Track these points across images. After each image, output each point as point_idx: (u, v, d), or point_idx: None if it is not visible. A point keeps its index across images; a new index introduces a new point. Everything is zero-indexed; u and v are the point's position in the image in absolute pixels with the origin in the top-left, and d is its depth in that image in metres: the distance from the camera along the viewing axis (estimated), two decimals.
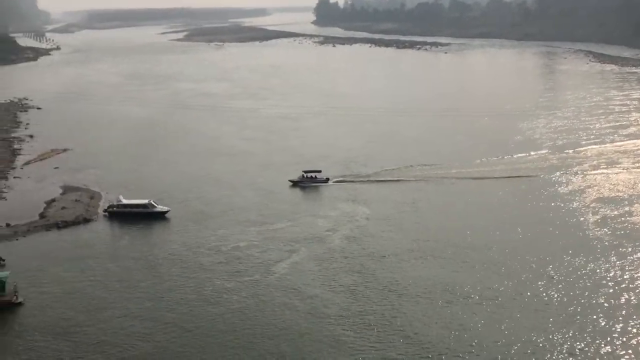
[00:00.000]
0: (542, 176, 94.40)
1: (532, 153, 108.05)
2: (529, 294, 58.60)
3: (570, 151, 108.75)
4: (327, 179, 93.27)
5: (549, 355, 49.57)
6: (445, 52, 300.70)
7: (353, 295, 58.89)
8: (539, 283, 60.50)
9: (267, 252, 68.92)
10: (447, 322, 54.01)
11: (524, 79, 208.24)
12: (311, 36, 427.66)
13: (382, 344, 51.20)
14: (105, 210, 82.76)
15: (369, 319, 54.73)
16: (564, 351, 50.05)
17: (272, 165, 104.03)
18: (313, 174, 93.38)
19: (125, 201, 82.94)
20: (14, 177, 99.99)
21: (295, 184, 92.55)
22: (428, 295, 58.58)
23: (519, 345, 50.76)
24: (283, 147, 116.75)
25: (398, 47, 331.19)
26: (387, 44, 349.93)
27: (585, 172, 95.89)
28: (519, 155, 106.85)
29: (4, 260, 66.85)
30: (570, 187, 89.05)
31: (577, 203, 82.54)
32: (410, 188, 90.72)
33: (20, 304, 58.05)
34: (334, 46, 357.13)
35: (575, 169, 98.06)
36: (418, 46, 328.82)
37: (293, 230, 75.49)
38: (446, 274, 62.91)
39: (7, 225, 77.50)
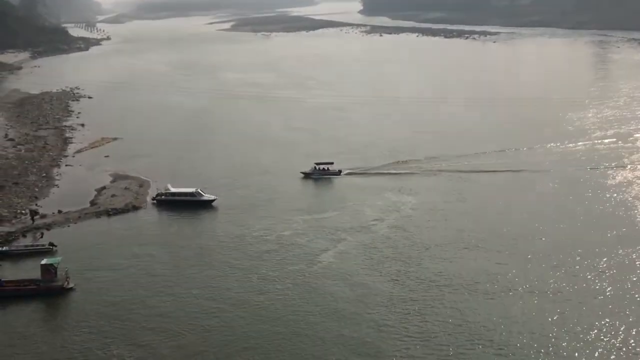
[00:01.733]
0: (590, 168, 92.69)
1: (581, 143, 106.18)
2: (577, 287, 57.72)
3: (621, 142, 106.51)
4: (340, 171, 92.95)
5: (600, 351, 48.80)
6: (494, 41, 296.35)
7: (397, 284, 58.85)
8: (588, 276, 59.56)
9: (312, 241, 69.29)
10: (491, 313, 53.61)
11: (575, 68, 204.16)
12: (358, 25, 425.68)
13: (425, 333, 51.12)
14: (153, 199, 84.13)
15: (412, 307, 54.66)
16: (615, 346, 49.22)
17: (318, 155, 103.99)
18: (325, 166, 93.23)
19: (173, 189, 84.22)
20: (66, 165, 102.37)
21: (307, 175, 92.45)
22: (473, 286, 58.17)
23: (567, 339, 50.09)
24: (329, 137, 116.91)
25: (446, 36, 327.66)
26: (434, 33, 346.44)
27: (636, 164, 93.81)
28: (568, 145, 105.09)
29: (56, 246, 68.54)
30: (620, 179, 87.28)
31: (628, 195, 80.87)
32: (451, 179, 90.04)
33: (71, 289, 59.46)
34: (380, 35, 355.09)
35: (626, 160, 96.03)
36: (466, 35, 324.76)
37: (338, 219, 75.73)
38: (492, 265, 62.39)
39: (59, 212, 79.46)
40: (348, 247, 67.45)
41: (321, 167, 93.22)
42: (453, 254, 65.20)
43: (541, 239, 68.30)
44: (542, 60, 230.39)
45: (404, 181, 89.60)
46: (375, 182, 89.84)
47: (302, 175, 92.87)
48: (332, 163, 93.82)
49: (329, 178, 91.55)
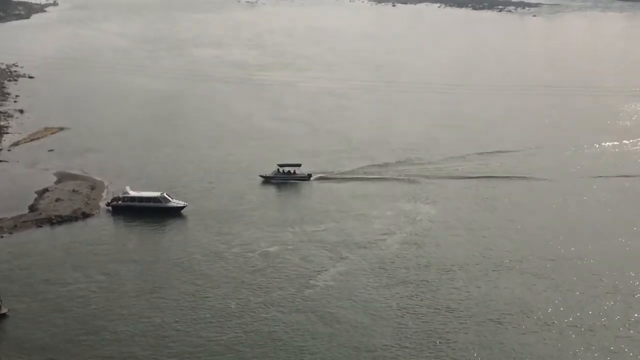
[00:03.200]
0: None
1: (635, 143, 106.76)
2: (627, 321, 57.84)
3: None
4: (309, 175, 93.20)
5: None
6: (534, 15, 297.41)
7: (408, 314, 58.83)
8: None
9: (304, 259, 69.34)
10: (524, 353, 53.63)
11: (631, 50, 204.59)
12: None
13: None
14: (108, 204, 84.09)
15: (426, 343, 54.67)
16: None
17: (314, 152, 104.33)
18: (291, 169, 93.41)
19: (133, 193, 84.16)
20: (0, 161, 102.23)
21: (267, 179, 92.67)
22: (502, 318, 58.25)
23: None
24: (327, 130, 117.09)
25: (474, 8, 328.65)
26: (460, 3, 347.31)
27: None
28: (624, 144, 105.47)
29: None
30: None
31: None
32: (474, 185, 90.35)
33: (4, 315, 59.13)
34: (393, 5, 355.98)
35: None
36: (500, 7, 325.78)
37: (336, 232, 75.91)
38: (526, 292, 62.50)
39: None
40: (349, 268, 67.50)
41: (286, 169, 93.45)
42: (478, 278, 65.31)
43: (589, 259, 68.44)
44: (592, 39, 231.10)
45: (414, 187, 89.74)
46: (363, 188, 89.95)
47: (261, 179, 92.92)
48: (299, 165, 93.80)
49: (295, 183, 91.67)
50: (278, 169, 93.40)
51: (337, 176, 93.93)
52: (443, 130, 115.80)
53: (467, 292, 62.74)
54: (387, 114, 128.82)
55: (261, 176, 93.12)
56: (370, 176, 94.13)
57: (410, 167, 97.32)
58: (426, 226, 77.41)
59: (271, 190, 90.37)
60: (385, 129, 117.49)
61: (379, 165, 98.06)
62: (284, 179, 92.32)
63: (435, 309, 59.99)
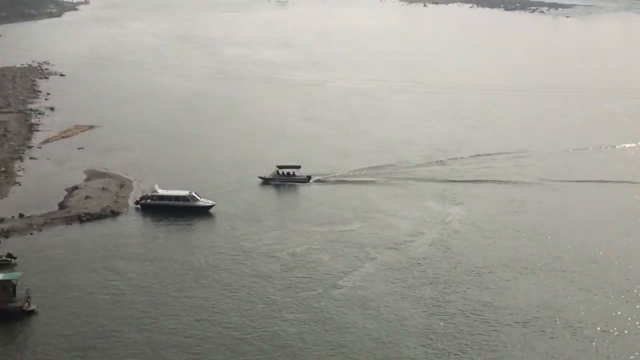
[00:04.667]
0: None
1: None
2: None
3: None
4: (309, 177, 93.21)
5: None
6: (567, 16, 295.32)
7: (434, 317, 58.71)
8: None
9: (332, 259, 69.39)
10: (549, 359, 53.33)
11: None
12: None
13: None
14: (137, 202, 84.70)
15: (453, 347, 54.54)
16: None
17: (342, 152, 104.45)
18: (290, 170, 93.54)
19: (161, 192, 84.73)
20: (30, 158, 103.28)
21: (265, 181, 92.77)
22: (530, 322, 57.93)
23: None
24: (356, 131, 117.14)
25: (507, 9, 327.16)
26: (492, 3, 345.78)
27: None
28: None
29: (15, 258, 69.02)
30: None
31: None
32: (502, 187, 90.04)
33: (32, 312, 59.71)
34: (425, 6, 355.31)
35: None
36: (532, 7, 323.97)
37: (364, 233, 75.91)
38: (554, 296, 62.12)
39: (21, 215, 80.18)
40: (377, 268, 67.46)
41: (285, 171, 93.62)
42: (507, 280, 65.00)
43: (621, 264, 67.86)
44: (628, 41, 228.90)
45: (442, 188, 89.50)
46: (391, 189, 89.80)
47: (260, 180, 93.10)
48: (298, 167, 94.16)
49: (294, 185, 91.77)
50: (277, 171, 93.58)
51: (362, 177, 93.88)
52: (473, 132, 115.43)
53: (495, 294, 62.44)
54: (416, 115, 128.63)
55: (260, 177, 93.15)
56: (398, 177, 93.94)
57: (438, 168, 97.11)
58: (455, 228, 77.22)
59: (293, 191, 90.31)
60: (413, 130, 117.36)
61: (407, 166, 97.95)
62: (283, 181, 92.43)
63: (463, 311, 59.70)
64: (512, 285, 64.31)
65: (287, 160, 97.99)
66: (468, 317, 58.86)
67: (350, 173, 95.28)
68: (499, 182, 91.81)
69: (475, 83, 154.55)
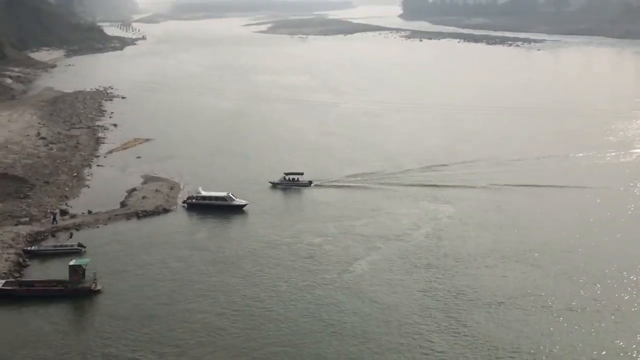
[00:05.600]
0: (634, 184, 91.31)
1: (627, 156, 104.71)
2: (621, 305, 56.84)
3: None
4: (310, 182, 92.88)
5: None
6: (538, 49, 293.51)
7: (427, 299, 58.47)
8: (633, 293, 58.68)
9: (344, 249, 69.37)
10: (523, 330, 53.01)
11: (623, 79, 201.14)
12: (397, 30, 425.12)
13: (452, 351, 50.69)
14: (184, 202, 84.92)
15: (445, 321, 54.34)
16: None
17: (353, 161, 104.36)
18: (295, 176, 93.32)
19: (204, 193, 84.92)
20: (98, 165, 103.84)
21: (274, 185, 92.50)
22: (506, 301, 57.63)
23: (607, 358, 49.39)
24: (364, 144, 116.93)
25: (488, 43, 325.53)
26: (476, 39, 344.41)
27: None
28: (610, 156, 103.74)
29: (84, 247, 69.46)
30: None
31: None
32: (486, 191, 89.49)
33: (99, 291, 60.14)
34: (420, 41, 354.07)
35: None
36: (509, 42, 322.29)
37: (370, 227, 75.72)
38: (526, 280, 61.78)
39: (89, 212, 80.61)
40: (381, 256, 67.32)
41: (290, 177, 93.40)
42: (488, 266, 64.68)
43: (588, 255, 67.33)
44: (588, 70, 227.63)
45: (435, 191, 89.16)
46: (393, 192, 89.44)
47: (270, 184, 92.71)
48: (302, 174, 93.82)
49: (298, 189, 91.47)
50: (284, 177, 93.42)
51: (367, 181, 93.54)
52: (460, 144, 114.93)
53: (479, 278, 62.28)
54: (413, 130, 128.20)
55: (270, 182, 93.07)
56: (397, 181, 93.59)
57: (432, 174, 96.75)
58: (445, 223, 76.96)
59: (306, 193, 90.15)
60: (411, 142, 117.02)
61: (405, 173, 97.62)
62: (288, 185, 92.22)
63: (451, 292, 59.61)
64: (492, 270, 64.06)
65: (304, 167, 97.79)
66: (456, 296, 58.70)
67: (358, 178, 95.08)
68: (482, 185, 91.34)
69: (462, 103, 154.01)
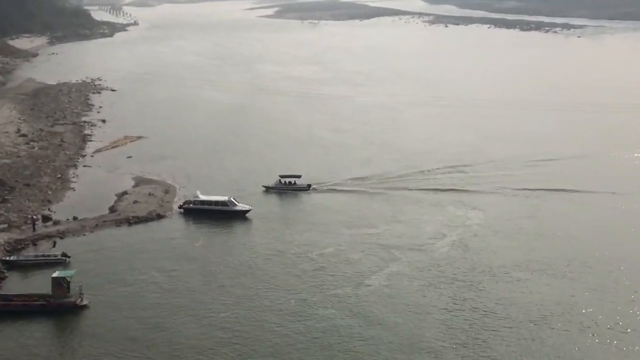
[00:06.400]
0: None
1: None
2: None
3: None
4: (309, 186, 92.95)
5: None
6: (579, 36, 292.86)
7: (452, 318, 58.42)
8: None
9: (358, 260, 69.31)
10: (558, 353, 52.88)
11: None
12: (420, 14, 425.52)
13: None
14: (180, 207, 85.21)
15: (472, 340, 54.30)
16: None
17: (368, 161, 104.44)
18: (292, 179, 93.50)
19: (202, 197, 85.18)
20: (84, 166, 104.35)
21: (268, 189, 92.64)
22: (539, 320, 57.46)
23: None
24: (380, 141, 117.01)
25: (522, 29, 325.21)
26: (509, 25, 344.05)
27: None
28: None
29: (69, 257, 69.74)
30: None
31: None
32: (519, 195, 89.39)
33: (85, 306, 60.31)
34: (445, 26, 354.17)
35: None
36: (546, 28, 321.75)
37: (387, 235, 75.77)
38: (563, 296, 61.55)
39: (75, 218, 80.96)
40: (400, 268, 67.27)
41: (286, 180, 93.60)
42: (520, 280, 64.49)
43: (630, 268, 67.07)
44: (636, 60, 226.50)
45: (460, 195, 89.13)
46: (413, 196, 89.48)
47: (263, 189, 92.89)
48: (299, 176, 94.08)
49: (295, 193, 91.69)
50: (279, 180, 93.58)
51: (384, 183, 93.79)
52: (489, 142, 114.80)
53: (510, 293, 62.06)
54: (436, 127, 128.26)
55: (264, 186, 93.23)
56: (419, 184, 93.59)
57: (457, 176, 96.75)
58: (472, 232, 76.85)
59: (325, 197, 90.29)
60: (433, 140, 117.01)
61: (427, 174, 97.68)
62: (284, 189, 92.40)
63: (479, 308, 59.42)
64: (525, 285, 63.82)
65: (311, 168, 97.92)
66: (483, 313, 58.54)
67: (372, 181, 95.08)
68: (513, 189, 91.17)
69: (491, 97, 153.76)
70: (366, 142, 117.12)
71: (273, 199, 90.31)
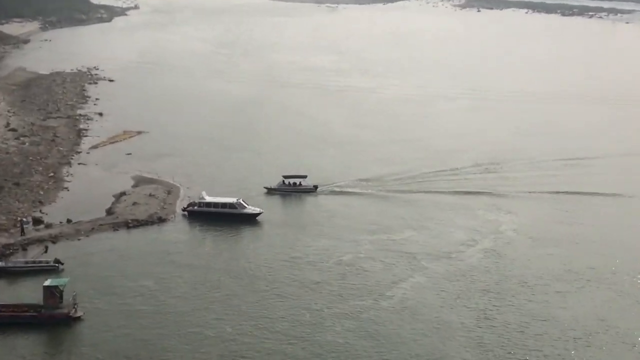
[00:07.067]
0: None
1: None
2: None
3: None
4: (316, 187, 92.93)
5: None
6: (627, 22, 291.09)
7: (484, 333, 58.13)
8: None
9: (380, 269, 69.14)
10: None
11: None
12: None
13: None
14: (184, 209, 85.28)
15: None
16: None
17: (392, 160, 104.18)
18: (297, 180, 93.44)
19: (209, 199, 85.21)
20: (79, 164, 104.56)
21: (270, 191, 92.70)
22: (581, 337, 57.14)
23: None
24: (404, 138, 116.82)
25: (563, 14, 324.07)
26: (548, 9, 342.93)
27: None
28: None
29: (62, 263, 69.82)
30: None
31: None
32: (558, 198, 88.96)
33: (79, 318, 60.30)
34: (478, 11, 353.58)
35: None
36: (590, 13, 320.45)
37: (412, 242, 75.64)
38: (608, 310, 61.22)
39: (69, 221, 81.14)
40: (426, 278, 67.09)
41: (291, 181, 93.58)
42: (560, 293, 64.15)
43: None
44: None
45: (494, 198, 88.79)
46: (442, 198, 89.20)
47: (265, 190, 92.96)
48: (305, 177, 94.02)
49: (300, 195, 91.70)
50: (283, 181, 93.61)
51: (409, 184, 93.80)
52: (527, 140, 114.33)
53: (548, 307, 61.69)
54: (468, 123, 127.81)
55: (265, 187, 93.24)
56: (447, 185, 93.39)
57: (490, 176, 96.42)
58: (506, 238, 76.54)
59: (347, 199, 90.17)
60: (464, 138, 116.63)
61: (458, 174, 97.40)
62: (288, 191, 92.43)
63: (513, 323, 59.10)
64: (565, 297, 63.47)
65: (335, 167, 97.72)
66: (518, 329, 58.22)
67: (395, 182, 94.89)
68: (555, 191, 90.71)
69: (531, 90, 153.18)
70: (388, 138, 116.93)
71: (279, 201, 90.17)
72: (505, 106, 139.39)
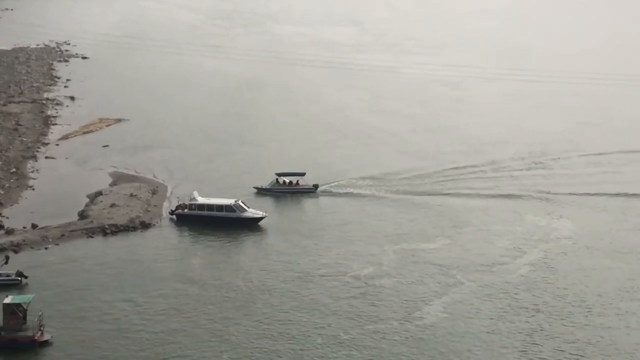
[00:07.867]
0: None
1: None
2: None
3: None
4: (316, 186, 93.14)
5: None
6: None
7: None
8: None
9: (407, 284, 68.97)
10: None
11: None
12: None
13: None
14: (172, 212, 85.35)
15: None
16: None
17: (423, 154, 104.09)
18: (293, 178, 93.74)
19: (202, 200, 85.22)
20: (46, 157, 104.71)
21: (260, 191, 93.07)
22: None
23: None
24: (439, 127, 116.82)
25: None
26: None
27: None
28: None
29: (26, 277, 69.77)
30: None
31: None
32: (618, 201, 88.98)
33: (46, 342, 60.09)
34: None
35: None
36: None
37: (446, 251, 75.52)
38: None
39: (34, 226, 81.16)
40: (464, 295, 66.88)
41: (286, 179, 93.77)
42: (622, 313, 63.93)
43: None
44: None
45: (544, 200, 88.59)
46: (482, 201, 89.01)
47: (254, 190, 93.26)
48: (303, 174, 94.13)
49: (296, 197, 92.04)
50: (276, 179, 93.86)
51: (442, 182, 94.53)
52: (584, 130, 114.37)
53: (609, 330, 61.46)
54: (513, 108, 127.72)
55: (255, 187, 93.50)
56: (487, 183, 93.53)
57: (541, 173, 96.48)
58: (559, 248, 76.35)
59: (359, 201, 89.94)
60: (509, 126, 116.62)
61: (501, 171, 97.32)
62: (282, 191, 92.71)
63: (567, 351, 58.78)
64: (628, 318, 63.24)
65: (352, 161, 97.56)
66: (573, 357, 57.90)
67: (424, 178, 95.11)
68: (618, 193, 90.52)
69: (589, 71, 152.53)
70: (417, 128, 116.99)
71: (271, 204, 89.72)
72: (559, 89, 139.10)
